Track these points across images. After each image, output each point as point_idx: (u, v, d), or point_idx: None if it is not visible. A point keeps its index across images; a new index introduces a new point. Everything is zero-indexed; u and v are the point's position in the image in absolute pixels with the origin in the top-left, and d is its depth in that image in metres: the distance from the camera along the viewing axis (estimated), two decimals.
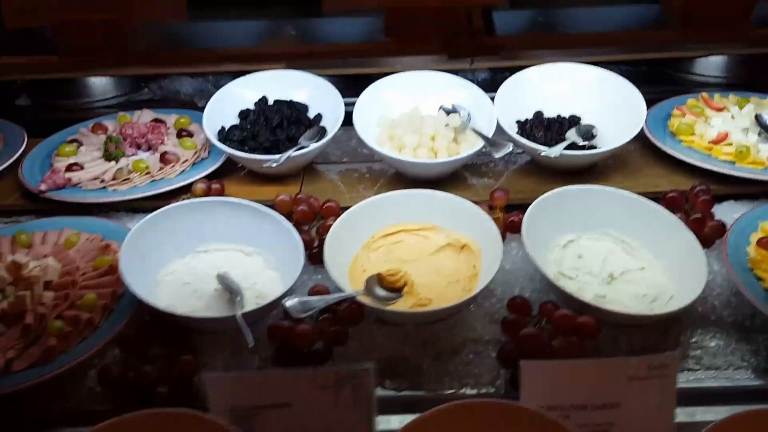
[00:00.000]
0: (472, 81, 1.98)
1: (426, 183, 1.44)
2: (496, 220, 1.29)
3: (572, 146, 1.44)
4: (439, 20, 0.72)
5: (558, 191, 1.26)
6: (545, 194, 1.25)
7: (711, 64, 2.03)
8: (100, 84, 2.02)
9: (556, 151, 1.35)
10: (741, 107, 1.55)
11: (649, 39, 0.78)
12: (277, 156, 1.38)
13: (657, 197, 1.30)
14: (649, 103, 1.60)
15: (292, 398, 0.85)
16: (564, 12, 1.80)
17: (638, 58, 2.04)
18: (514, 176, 1.49)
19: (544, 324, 1.04)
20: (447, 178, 1.46)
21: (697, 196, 1.28)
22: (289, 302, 1.00)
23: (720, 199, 1.36)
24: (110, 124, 1.64)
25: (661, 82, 1.99)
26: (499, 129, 1.45)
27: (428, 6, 0.71)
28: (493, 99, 1.51)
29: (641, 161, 1.50)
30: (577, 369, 0.86)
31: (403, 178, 1.47)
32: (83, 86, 2.00)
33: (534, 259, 1.12)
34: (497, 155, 1.34)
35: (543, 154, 1.36)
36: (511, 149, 1.35)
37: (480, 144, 1.40)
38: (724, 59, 2.02)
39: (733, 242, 1.21)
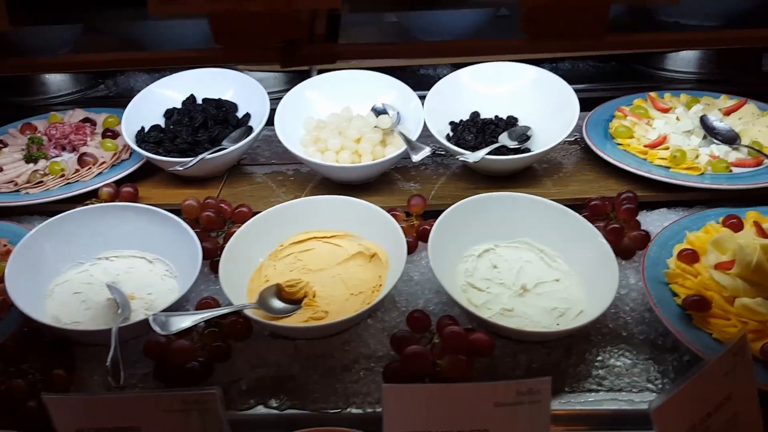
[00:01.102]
0: (433, 77, 1.94)
1: (354, 187, 1.39)
2: (410, 227, 1.23)
3: (505, 150, 1.39)
4: (273, 27, 0.67)
5: (474, 199, 1.20)
6: (459, 202, 1.19)
7: (683, 60, 1.96)
8: (55, 81, 2.00)
9: (475, 156, 1.29)
10: (689, 108, 1.47)
11: (497, 47, 0.72)
12: (186, 159, 1.34)
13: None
14: None
15: (141, 422, 0.81)
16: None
17: (607, 53, 1.98)
18: (446, 180, 1.43)
19: (435, 340, 0.99)
20: (377, 182, 1.41)
21: (622, 203, 1.21)
22: (153, 318, 0.95)
23: (653, 206, 1.30)
24: (41, 123, 1.60)
25: (632, 78, 1.93)
26: (427, 131, 1.39)
27: (258, 12, 0.66)
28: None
29: (578, 166, 1.43)
30: (441, 393, 0.81)
31: (330, 181, 1.42)
32: (39, 83, 1.98)
33: (434, 270, 1.07)
34: (415, 159, 1.29)
35: (461, 159, 1.30)
36: (428, 153, 1.29)
37: (403, 147, 1.34)
38: (698, 54, 1.95)
39: (654, 254, 1.14)
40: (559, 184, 1.37)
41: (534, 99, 1.48)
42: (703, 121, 1.41)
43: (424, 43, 0.79)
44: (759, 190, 1.25)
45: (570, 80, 1.93)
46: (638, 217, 1.25)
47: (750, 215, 1.18)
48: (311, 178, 1.45)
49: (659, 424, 0.76)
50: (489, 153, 1.32)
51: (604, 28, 0.67)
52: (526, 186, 1.37)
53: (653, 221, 1.25)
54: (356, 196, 1.24)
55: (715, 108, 1.47)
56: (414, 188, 1.40)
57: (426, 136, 1.39)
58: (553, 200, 1.21)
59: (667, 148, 1.35)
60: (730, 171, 1.30)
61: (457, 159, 1.45)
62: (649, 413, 0.76)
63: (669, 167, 1.32)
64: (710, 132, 1.39)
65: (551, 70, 1.96)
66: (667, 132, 1.39)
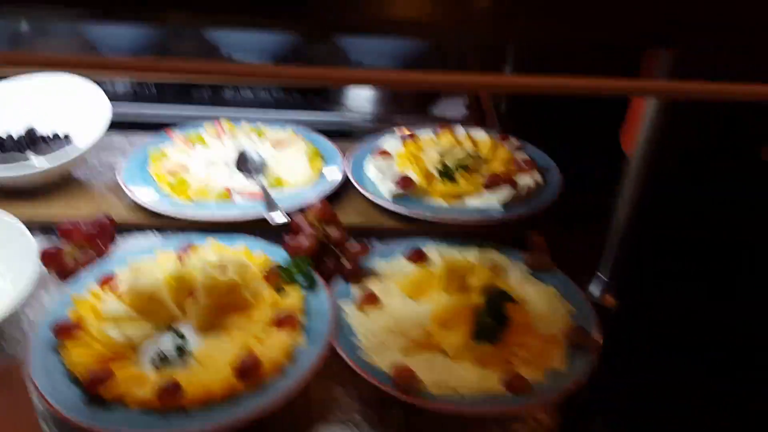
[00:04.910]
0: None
1: None
2: None
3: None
4: None
5: None
6: None
7: (358, 98, 2.03)
8: None
9: None
10: (245, 135, 1.50)
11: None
12: None
13: None
14: None
15: None
16: None
17: (289, 84, 2.01)
18: None
19: None
20: None
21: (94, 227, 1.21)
22: None
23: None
24: None
25: (310, 109, 1.96)
26: None
27: None
28: None
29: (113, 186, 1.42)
30: None
31: None
32: None
33: None
34: None
35: None
36: None
37: None
38: (373, 94, 2.03)
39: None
40: (48, 203, 1.34)
41: (89, 114, 1.46)
42: (242, 153, 1.43)
43: None
44: (244, 223, 1.28)
45: (242, 105, 1.97)
46: None
47: (211, 243, 1.20)
48: None
49: None
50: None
51: None
52: (55, 204, 1.34)
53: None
54: None
55: (269, 140, 1.51)
56: None
57: None
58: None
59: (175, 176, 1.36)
60: (230, 200, 1.33)
61: None
62: None
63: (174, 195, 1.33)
64: (243, 163, 1.42)
65: (231, 95, 2.01)
66: (194, 159, 1.41)
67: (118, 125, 1.63)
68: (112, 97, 1.77)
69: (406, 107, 2.04)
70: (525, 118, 1.99)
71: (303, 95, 2.04)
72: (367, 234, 1.34)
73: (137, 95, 1.88)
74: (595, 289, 1.32)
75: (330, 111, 1.96)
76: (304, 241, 1.19)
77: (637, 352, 1.20)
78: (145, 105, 1.80)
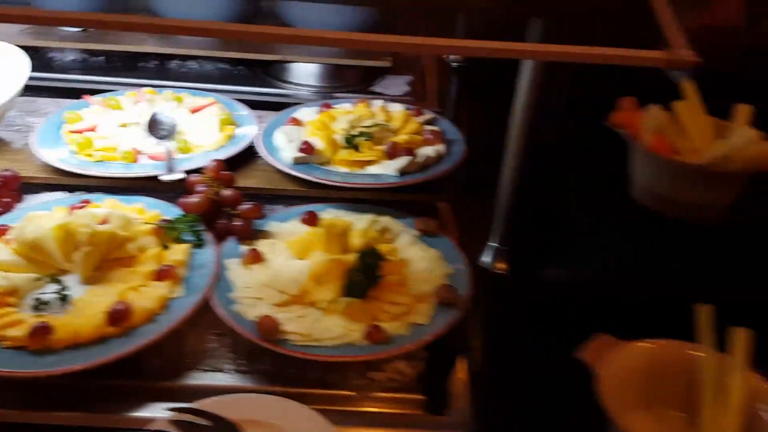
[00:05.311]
0: None
1: None
2: None
3: None
4: None
5: None
6: None
7: (301, 73, 2.04)
8: None
9: None
10: (165, 101, 1.55)
11: None
12: None
13: None
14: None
15: None
16: None
17: (235, 56, 2.03)
18: None
19: None
20: None
21: None
22: None
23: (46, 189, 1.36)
24: None
25: (254, 84, 1.98)
26: None
27: None
28: None
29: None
30: None
31: None
32: None
33: None
34: None
35: None
36: None
37: None
38: (316, 69, 2.04)
39: None
40: None
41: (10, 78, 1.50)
42: (153, 116, 1.48)
43: None
44: (150, 185, 1.34)
45: (189, 79, 1.98)
46: None
47: (108, 202, 1.25)
48: None
49: None
50: None
51: None
52: None
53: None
54: None
55: (187, 106, 1.55)
56: None
57: None
58: None
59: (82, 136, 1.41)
60: (135, 161, 1.38)
61: None
62: None
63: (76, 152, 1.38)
64: (154, 126, 1.46)
65: (177, 67, 2.02)
66: (105, 122, 1.45)
67: (62, 93, 1.70)
68: (61, 67, 1.85)
69: (351, 84, 2.06)
70: (469, 101, 2.04)
71: (249, 69, 2.07)
72: (272, 198, 1.39)
73: (86, 65, 1.91)
74: (487, 256, 1.38)
75: (275, 87, 2.00)
76: (194, 199, 1.24)
77: (516, 315, 1.26)
78: (93, 75, 1.83)
